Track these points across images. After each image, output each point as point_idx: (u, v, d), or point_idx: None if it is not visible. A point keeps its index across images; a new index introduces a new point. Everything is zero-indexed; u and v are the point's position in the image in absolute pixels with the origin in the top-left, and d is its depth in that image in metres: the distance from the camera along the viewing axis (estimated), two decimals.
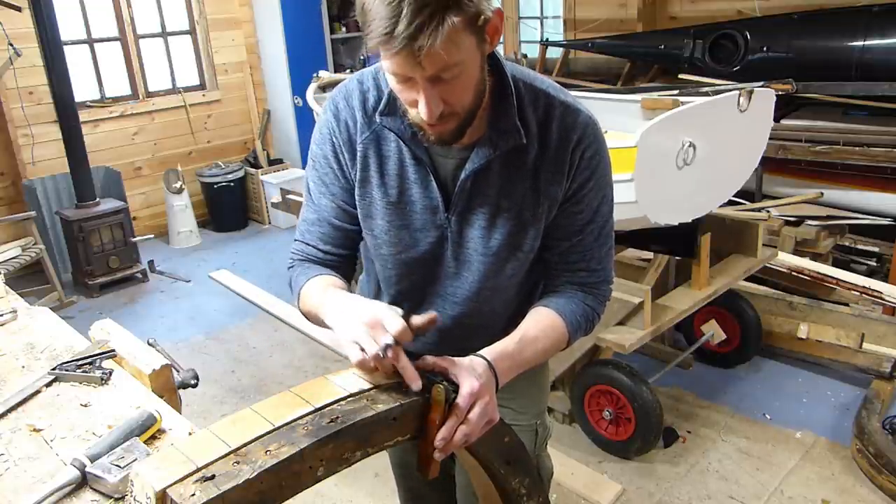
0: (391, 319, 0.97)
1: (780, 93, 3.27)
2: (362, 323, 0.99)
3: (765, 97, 2.72)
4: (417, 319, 1.00)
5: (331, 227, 1.26)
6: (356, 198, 1.23)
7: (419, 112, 1.02)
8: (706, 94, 2.99)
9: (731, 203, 3.59)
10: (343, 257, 1.29)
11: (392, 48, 0.92)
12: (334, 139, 1.21)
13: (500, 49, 6.09)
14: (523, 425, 1.39)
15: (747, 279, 3.22)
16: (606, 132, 3.38)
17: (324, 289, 1.18)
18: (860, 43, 3.88)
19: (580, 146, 1.15)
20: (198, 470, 0.82)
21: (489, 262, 1.21)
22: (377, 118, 1.16)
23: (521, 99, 1.14)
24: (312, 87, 4.31)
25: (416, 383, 0.97)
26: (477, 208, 1.18)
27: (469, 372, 1.00)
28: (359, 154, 1.20)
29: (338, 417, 0.90)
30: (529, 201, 1.17)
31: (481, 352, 1.08)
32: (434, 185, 1.17)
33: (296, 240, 1.31)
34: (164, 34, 5.61)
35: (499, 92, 1.13)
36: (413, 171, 1.18)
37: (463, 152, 1.15)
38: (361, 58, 6.54)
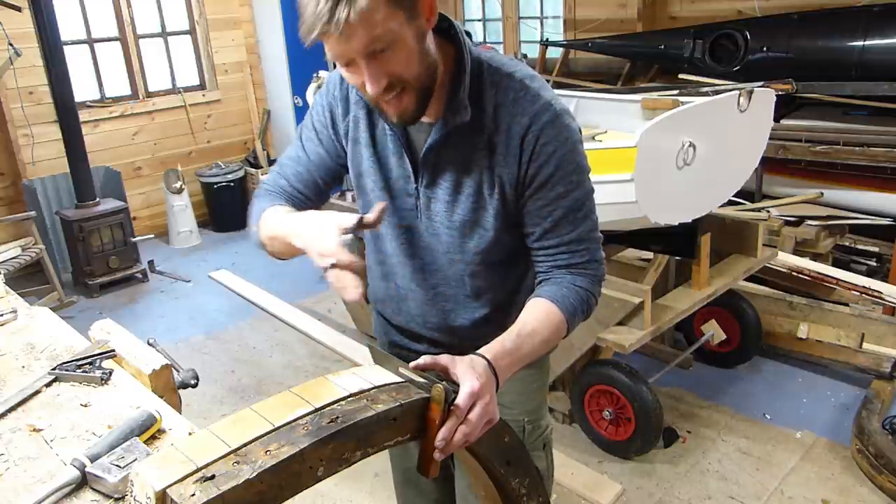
0: (345, 217, 1.05)
1: (780, 93, 3.27)
2: (318, 224, 1.06)
3: (765, 97, 2.72)
4: (368, 216, 1.05)
5: (307, 170, 1.35)
6: (348, 154, 1.31)
7: (368, 91, 1.07)
8: (706, 94, 2.99)
9: (731, 203, 3.59)
10: (308, 200, 1.36)
11: (316, 26, 0.98)
12: (336, 93, 1.30)
13: (499, 49, 6.06)
14: (508, 420, 1.40)
15: (747, 279, 3.22)
16: (606, 132, 3.37)
17: (288, 212, 1.23)
18: (860, 43, 3.88)
19: (531, 132, 1.16)
20: (198, 470, 0.82)
21: (453, 234, 1.26)
22: (353, 93, 1.26)
23: (479, 80, 1.17)
24: (312, 87, 4.31)
25: (353, 292, 1.00)
26: (441, 182, 1.23)
27: (469, 371, 1.00)
28: (350, 114, 1.28)
29: (338, 417, 0.90)
30: (487, 181, 1.20)
31: (480, 350, 1.09)
32: (406, 156, 1.23)
33: (272, 170, 1.40)
34: (164, 34, 5.61)
35: (458, 72, 1.17)
36: (391, 141, 1.25)
37: (431, 127, 1.20)
38: None
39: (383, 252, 1.37)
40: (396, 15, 1.00)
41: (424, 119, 1.19)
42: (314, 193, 1.36)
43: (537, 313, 1.19)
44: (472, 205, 1.22)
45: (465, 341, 1.30)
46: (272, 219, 1.22)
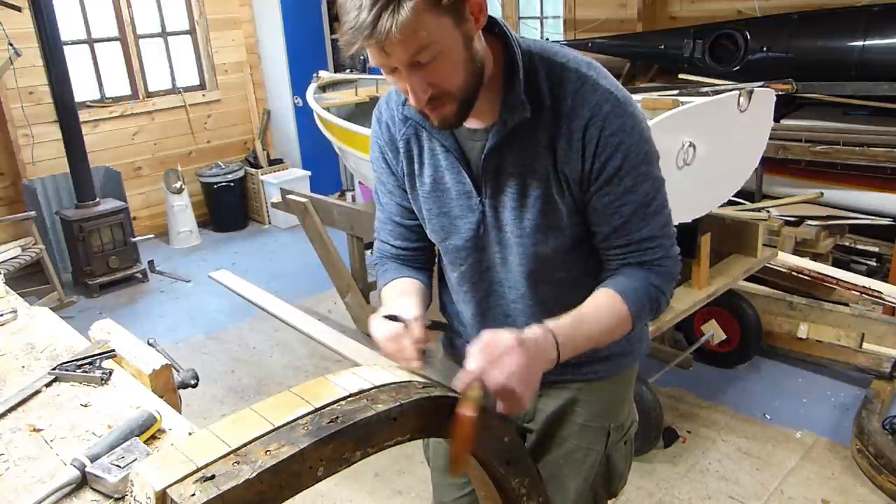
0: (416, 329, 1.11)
1: (780, 93, 3.28)
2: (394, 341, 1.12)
3: (765, 97, 2.72)
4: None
5: (395, 224, 1.34)
6: (407, 191, 1.29)
7: (411, 101, 1.05)
8: (706, 94, 2.99)
9: (731, 203, 3.59)
10: (415, 250, 1.35)
11: (357, 39, 0.94)
12: (380, 142, 1.29)
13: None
14: (594, 430, 1.37)
15: (747, 279, 3.22)
16: None
17: (395, 297, 1.26)
18: (860, 43, 3.88)
19: (592, 124, 1.09)
20: (198, 470, 0.82)
21: (526, 243, 1.18)
22: (400, 109, 1.21)
23: (533, 73, 1.10)
24: (312, 87, 4.32)
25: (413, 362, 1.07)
26: (506, 189, 1.16)
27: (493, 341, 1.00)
28: (401, 149, 1.25)
29: (338, 417, 0.90)
30: (554, 178, 1.13)
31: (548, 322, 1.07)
32: (464, 170, 1.18)
33: (375, 238, 1.40)
34: (164, 34, 5.61)
35: (509, 69, 1.11)
36: (444, 159, 1.20)
37: (486, 135, 1.15)
38: (361, 58, 6.54)
39: (454, 275, 1.32)
40: (443, 23, 0.95)
41: (478, 125, 1.15)
42: (416, 240, 1.34)
43: (600, 303, 1.13)
44: (543, 207, 1.14)
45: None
46: (384, 298, 1.29)
